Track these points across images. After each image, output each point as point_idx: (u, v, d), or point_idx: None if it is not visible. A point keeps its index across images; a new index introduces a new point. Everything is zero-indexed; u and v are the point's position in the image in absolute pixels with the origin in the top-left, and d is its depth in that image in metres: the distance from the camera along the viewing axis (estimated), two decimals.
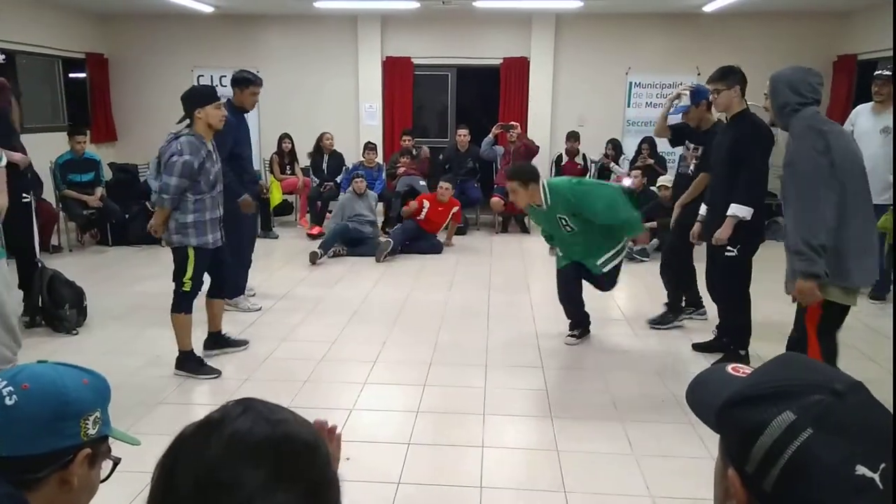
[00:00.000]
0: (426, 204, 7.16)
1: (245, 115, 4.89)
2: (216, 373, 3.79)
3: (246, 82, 4.76)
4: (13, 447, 1.00)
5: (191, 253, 3.67)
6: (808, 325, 2.90)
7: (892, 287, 5.40)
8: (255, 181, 5.23)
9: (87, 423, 1.05)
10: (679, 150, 5.01)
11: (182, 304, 3.75)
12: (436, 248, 7.14)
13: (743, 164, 3.72)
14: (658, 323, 4.70)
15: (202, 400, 3.52)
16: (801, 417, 0.68)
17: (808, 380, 0.72)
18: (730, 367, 0.85)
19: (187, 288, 3.71)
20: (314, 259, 6.37)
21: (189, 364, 3.80)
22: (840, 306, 2.87)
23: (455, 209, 7.26)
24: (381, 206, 7.85)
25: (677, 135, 4.71)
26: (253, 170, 5.10)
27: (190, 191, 3.62)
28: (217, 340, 4.14)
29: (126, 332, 4.48)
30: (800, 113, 2.85)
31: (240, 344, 4.22)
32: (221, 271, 4.02)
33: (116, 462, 1.15)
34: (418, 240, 7.09)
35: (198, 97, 3.68)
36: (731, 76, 3.86)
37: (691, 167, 4.54)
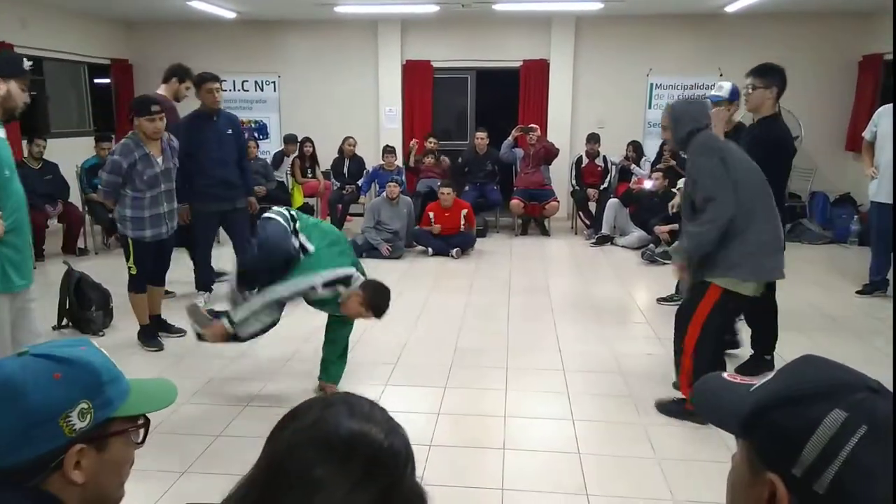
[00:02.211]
0: (431, 215, 7.16)
1: (213, 117, 4.99)
2: (159, 347, 4.27)
3: (201, 80, 5.06)
4: None
5: (130, 242, 4.16)
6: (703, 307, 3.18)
7: (892, 284, 5.37)
8: (219, 183, 5.01)
9: (69, 421, 0.96)
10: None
11: (132, 284, 4.28)
12: (469, 241, 7.15)
13: (768, 171, 3.59)
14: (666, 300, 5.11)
15: (226, 401, 3.54)
16: (854, 415, 0.67)
17: (844, 378, 0.71)
18: (725, 375, 0.85)
19: (133, 272, 4.23)
20: None
21: (142, 336, 4.33)
22: (735, 302, 3.17)
23: (465, 211, 7.19)
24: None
25: None
26: (220, 172, 4.99)
27: (129, 187, 4.07)
28: (156, 324, 4.48)
29: None
30: (698, 136, 3.16)
31: (178, 332, 4.49)
32: (163, 262, 4.43)
33: (146, 425, 1.07)
34: (451, 238, 7.08)
35: (133, 107, 4.15)
36: (771, 75, 3.74)
37: None
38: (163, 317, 4.55)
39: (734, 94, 4.38)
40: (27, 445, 0.93)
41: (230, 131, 5.11)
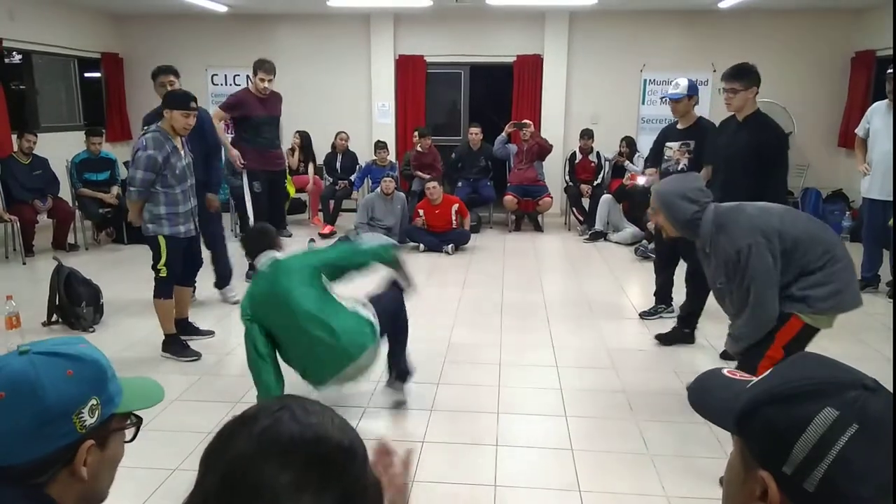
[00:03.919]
0: (421, 213, 7.13)
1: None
2: (196, 355, 4.03)
3: (157, 73, 4.71)
4: (3, 457, 0.93)
5: (162, 241, 3.93)
6: (780, 339, 2.67)
7: (892, 283, 5.37)
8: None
9: (81, 417, 0.96)
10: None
11: (161, 289, 4.02)
12: (463, 237, 7.12)
13: (771, 166, 3.74)
14: (650, 314, 4.87)
15: (218, 397, 3.52)
16: (845, 413, 0.66)
17: (838, 376, 0.71)
18: (725, 371, 0.85)
19: (164, 274, 3.98)
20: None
21: (173, 347, 4.06)
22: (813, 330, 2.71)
23: (456, 206, 7.15)
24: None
25: (658, 153, 4.78)
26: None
27: (159, 184, 3.86)
28: (184, 327, 4.32)
29: (142, 330, 4.49)
30: (706, 216, 2.74)
31: (206, 334, 4.41)
32: (192, 261, 4.28)
33: (138, 424, 1.08)
34: (445, 234, 7.05)
35: (170, 100, 3.94)
36: (749, 76, 3.82)
37: (682, 164, 4.54)
38: (190, 319, 4.42)
39: (692, 89, 4.48)
40: (41, 442, 0.94)
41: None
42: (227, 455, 0.71)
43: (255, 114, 5.64)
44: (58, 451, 0.95)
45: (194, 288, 5.14)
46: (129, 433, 1.08)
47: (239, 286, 5.38)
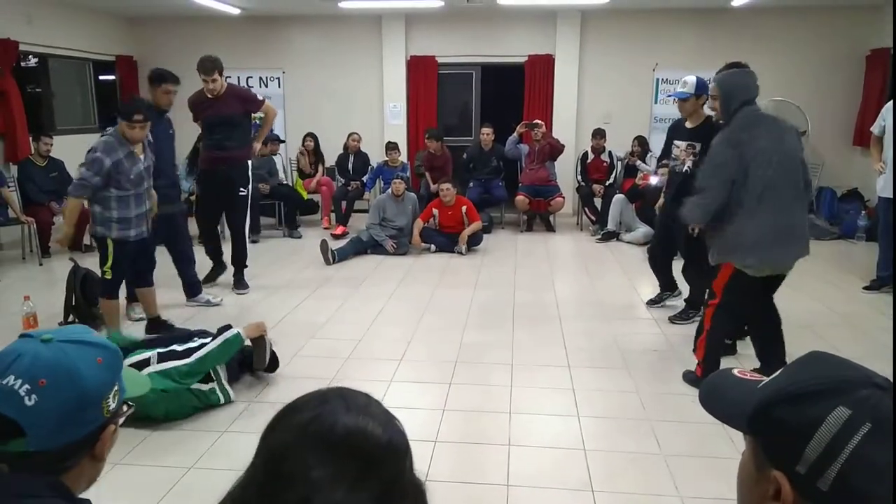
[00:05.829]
0: (435, 212, 7.13)
1: (166, 114, 4.78)
2: None
3: (160, 79, 4.71)
4: (40, 443, 0.96)
5: (110, 245, 4.00)
6: (716, 285, 3.45)
7: (892, 282, 5.32)
8: (172, 184, 4.91)
9: (107, 402, 1.02)
10: None
11: (106, 289, 4.14)
12: (475, 238, 7.11)
13: None
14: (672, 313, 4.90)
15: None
16: (858, 412, 0.66)
17: (849, 375, 0.71)
18: (736, 371, 0.85)
19: (108, 276, 4.08)
20: (327, 259, 6.41)
21: None
22: (749, 282, 3.32)
23: (465, 207, 7.12)
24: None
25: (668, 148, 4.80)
26: (172, 172, 4.96)
27: (113, 187, 3.91)
28: (158, 325, 4.41)
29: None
30: (740, 112, 3.29)
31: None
32: (147, 261, 4.32)
33: (131, 409, 1.12)
34: (457, 235, 7.04)
35: (118, 110, 4.07)
36: None
37: (688, 165, 4.45)
38: (163, 318, 4.48)
39: (701, 88, 4.39)
40: (75, 428, 0.99)
41: (171, 131, 4.92)
42: (271, 442, 0.73)
43: (203, 115, 5.48)
44: (87, 436, 1.00)
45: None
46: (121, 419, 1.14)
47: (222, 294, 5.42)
